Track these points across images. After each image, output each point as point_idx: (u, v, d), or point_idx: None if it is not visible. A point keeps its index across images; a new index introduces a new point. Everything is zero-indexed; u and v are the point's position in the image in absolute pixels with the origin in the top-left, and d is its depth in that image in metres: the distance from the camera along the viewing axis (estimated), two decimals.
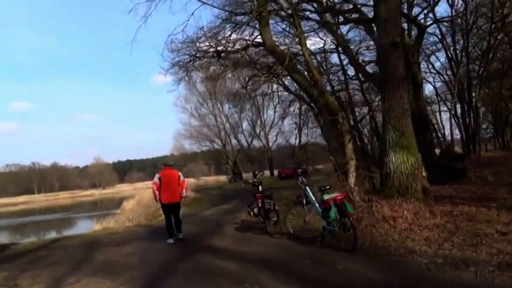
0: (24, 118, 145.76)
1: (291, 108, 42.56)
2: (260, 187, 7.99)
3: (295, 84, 30.19)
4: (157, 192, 7.76)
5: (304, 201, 6.50)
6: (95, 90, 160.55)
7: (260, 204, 7.54)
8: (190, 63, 20.51)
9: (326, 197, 5.72)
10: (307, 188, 6.45)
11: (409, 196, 7.47)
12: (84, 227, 21.02)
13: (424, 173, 7.98)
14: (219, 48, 20.78)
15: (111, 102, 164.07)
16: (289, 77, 29.03)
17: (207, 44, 19.88)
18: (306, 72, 21.48)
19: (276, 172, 43.76)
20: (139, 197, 24.57)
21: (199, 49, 20.10)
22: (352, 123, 11.13)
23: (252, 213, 7.61)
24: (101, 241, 8.89)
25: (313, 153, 47.50)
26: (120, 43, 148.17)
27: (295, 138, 47.36)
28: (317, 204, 6.16)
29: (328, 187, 6.17)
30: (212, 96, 45.10)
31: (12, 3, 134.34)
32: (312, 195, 6.35)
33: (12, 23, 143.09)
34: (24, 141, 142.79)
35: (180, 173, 8.08)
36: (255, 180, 8.25)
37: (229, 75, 35.34)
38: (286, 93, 36.51)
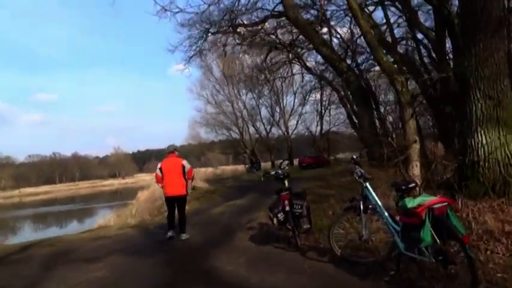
0: (47, 110, 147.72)
1: (312, 95, 40.00)
2: (286, 182, 5.54)
3: (317, 67, 27.83)
4: (160, 185, 7.20)
5: (361, 207, 4.01)
6: (115, 82, 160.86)
7: (288, 208, 5.18)
8: (203, 38, 18.25)
9: (411, 203, 3.19)
10: (368, 185, 3.96)
11: (511, 196, 4.95)
12: (90, 221, 19.55)
13: None
14: (235, 21, 18.46)
15: (131, 94, 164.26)
16: (310, 59, 26.59)
17: (221, 17, 17.61)
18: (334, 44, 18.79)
19: (296, 161, 41.22)
20: (153, 187, 22.91)
21: (213, 23, 17.81)
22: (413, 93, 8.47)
23: (275, 220, 5.22)
24: (74, 252, 6.71)
25: (333, 142, 44.95)
26: (138, 35, 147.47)
27: (316, 126, 44.70)
28: (386, 214, 3.73)
29: (411, 185, 3.64)
30: (229, 82, 42.65)
31: None
32: (376, 198, 3.89)
33: (39, 17, 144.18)
34: (47, 132, 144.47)
35: (184, 161, 7.17)
36: (279, 172, 5.78)
37: (247, 57, 33.06)
38: (307, 77, 34.05)
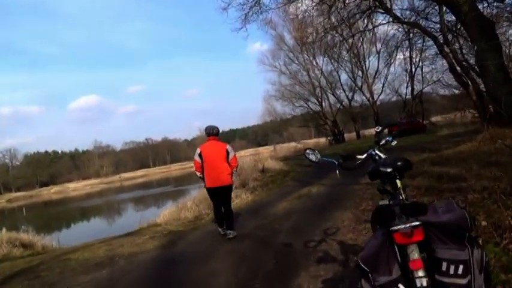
0: (138, 99, 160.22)
1: (400, 54, 34.44)
2: (399, 183, 1.91)
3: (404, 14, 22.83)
4: (199, 174, 6.06)
5: None
6: (199, 67, 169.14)
7: (421, 274, 1.58)
8: None
9: None
10: None
11: None
12: (161, 208, 18.43)
13: None
14: None
15: (214, 77, 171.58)
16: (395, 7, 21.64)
17: None
18: None
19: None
20: None
21: None
22: None
23: None
24: None
25: (427, 104, 38.93)
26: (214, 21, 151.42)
27: (406, 88, 38.89)
28: None
29: None
30: (302, 48, 38.86)
31: None
32: None
33: (118, 16, 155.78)
34: (139, 120, 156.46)
35: (228, 146, 6.15)
36: (382, 157, 2.11)
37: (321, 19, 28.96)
38: (392, 31, 28.96)
